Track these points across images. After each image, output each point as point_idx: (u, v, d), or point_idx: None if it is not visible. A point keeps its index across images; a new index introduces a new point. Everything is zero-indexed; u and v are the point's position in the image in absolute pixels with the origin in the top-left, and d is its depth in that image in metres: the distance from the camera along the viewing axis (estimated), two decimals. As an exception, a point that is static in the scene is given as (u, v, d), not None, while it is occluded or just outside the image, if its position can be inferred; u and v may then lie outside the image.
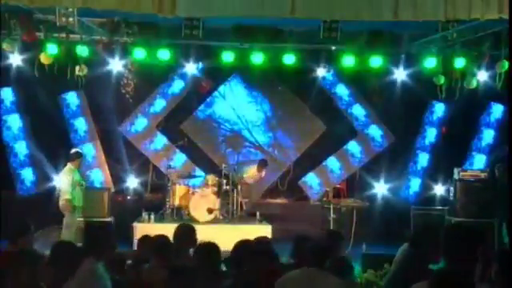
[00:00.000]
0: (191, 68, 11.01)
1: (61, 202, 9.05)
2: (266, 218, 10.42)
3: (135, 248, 9.25)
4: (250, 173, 10.95)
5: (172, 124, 11.74)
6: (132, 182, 11.42)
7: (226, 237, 9.42)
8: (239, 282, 4.09)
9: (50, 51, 9.39)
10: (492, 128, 11.48)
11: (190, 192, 10.49)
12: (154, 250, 4.87)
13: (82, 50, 9.53)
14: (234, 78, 11.80)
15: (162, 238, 5.02)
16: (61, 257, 4.35)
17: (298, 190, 11.97)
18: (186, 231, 5.15)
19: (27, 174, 10.86)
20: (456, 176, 10.50)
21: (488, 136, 11.51)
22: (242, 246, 4.83)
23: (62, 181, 9.19)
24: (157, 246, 4.91)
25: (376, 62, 10.14)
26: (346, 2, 6.12)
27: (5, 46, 9.29)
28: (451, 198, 10.59)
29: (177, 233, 5.12)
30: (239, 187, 10.81)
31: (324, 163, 11.81)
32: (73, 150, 9.69)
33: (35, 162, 10.85)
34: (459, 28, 8.99)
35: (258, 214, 10.51)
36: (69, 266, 4.40)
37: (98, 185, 10.93)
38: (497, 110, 11.44)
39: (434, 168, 11.60)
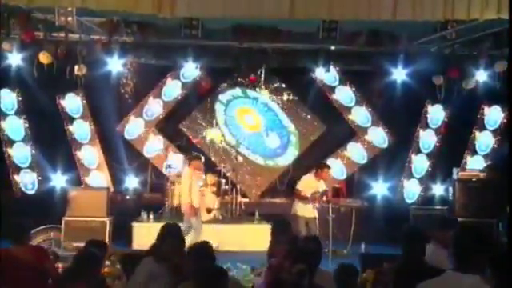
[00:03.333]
0: (190, 68, 11.01)
1: (182, 206, 9.05)
2: (265, 218, 10.42)
3: (134, 247, 9.37)
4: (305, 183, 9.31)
5: (171, 124, 11.73)
6: (131, 182, 11.41)
7: (225, 236, 9.56)
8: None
9: (49, 51, 9.39)
10: (491, 128, 11.47)
11: (189, 192, 10.49)
12: None
13: (81, 50, 9.52)
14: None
15: None
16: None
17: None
18: (283, 227, 5.51)
19: (26, 174, 10.83)
20: (455, 176, 10.51)
21: (487, 136, 11.51)
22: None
23: (182, 184, 9.15)
24: None
25: (375, 61, 10.14)
26: (345, 1, 6.12)
27: (4, 45, 9.28)
28: (450, 198, 10.60)
29: (274, 229, 5.55)
30: (238, 186, 10.81)
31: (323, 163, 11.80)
32: (193, 154, 9.64)
33: (34, 162, 10.83)
34: (458, 28, 9.00)
35: (257, 213, 10.51)
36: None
37: (97, 185, 10.91)
38: (495, 110, 11.44)
39: (433, 168, 11.60)
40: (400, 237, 4.40)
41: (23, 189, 10.79)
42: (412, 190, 11.68)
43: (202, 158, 9.64)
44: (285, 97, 11.90)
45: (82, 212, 9.56)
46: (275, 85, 11.82)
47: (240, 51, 10.43)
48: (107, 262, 6.18)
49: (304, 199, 8.98)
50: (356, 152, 11.83)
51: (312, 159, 11.85)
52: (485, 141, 11.49)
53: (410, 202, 11.49)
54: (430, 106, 11.62)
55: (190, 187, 8.89)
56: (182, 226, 8.62)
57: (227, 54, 10.61)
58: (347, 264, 4.51)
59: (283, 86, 11.84)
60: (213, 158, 11.60)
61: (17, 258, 4.74)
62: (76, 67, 9.86)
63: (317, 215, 9.06)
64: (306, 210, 9.04)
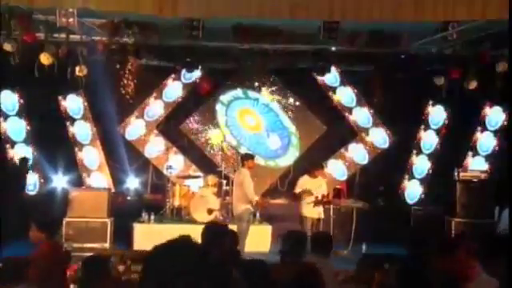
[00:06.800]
0: (191, 68, 10.99)
1: (244, 206, 8.68)
2: (266, 219, 10.42)
3: (135, 248, 9.37)
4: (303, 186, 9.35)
5: (172, 125, 11.73)
6: (132, 183, 11.42)
7: (225, 237, 9.52)
8: None
9: (50, 52, 9.40)
10: (492, 128, 11.46)
11: (190, 192, 10.50)
12: None
13: (82, 51, 9.52)
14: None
15: None
16: None
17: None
18: None
19: (27, 175, 10.80)
20: (456, 176, 10.49)
21: (488, 136, 11.49)
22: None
23: (247, 185, 8.66)
24: None
25: (376, 62, 10.13)
26: (346, 2, 6.13)
27: (5, 46, 9.29)
28: (451, 199, 10.58)
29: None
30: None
31: (324, 164, 11.80)
32: (246, 153, 9.51)
33: (35, 162, 10.83)
34: (459, 28, 8.99)
35: (257, 214, 10.50)
36: None
37: (98, 185, 10.91)
38: (497, 111, 11.43)
39: (434, 168, 11.60)
40: (404, 238, 4.41)
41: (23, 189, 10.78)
42: (413, 191, 11.67)
43: (254, 157, 9.44)
44: (285, 97, 11.89)
45: (83, 213, 9.57)
46: (276, 85, 11.82)
47: (241, 52, 10.42)
48: (121, 267, 6.04)
49: (309, 195, 9.05)
50: (357, 152, 11.83)
51: (313, 160, 11.85)
52: (486, 141, 11.47)
53: (411, 202, 11.49)
54: (431, 107, 11.61)
55: (252, 187, 8.69)
56: (239, 227, 8.48)
57: (228, 55, 10.61)
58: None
59: (284, 86, 11.84)
60: (214, 159, 11.60)
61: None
62: (77, 68, 9.87)
63: (322, 216, 9.18)
64: (313, 211, 9.09)
